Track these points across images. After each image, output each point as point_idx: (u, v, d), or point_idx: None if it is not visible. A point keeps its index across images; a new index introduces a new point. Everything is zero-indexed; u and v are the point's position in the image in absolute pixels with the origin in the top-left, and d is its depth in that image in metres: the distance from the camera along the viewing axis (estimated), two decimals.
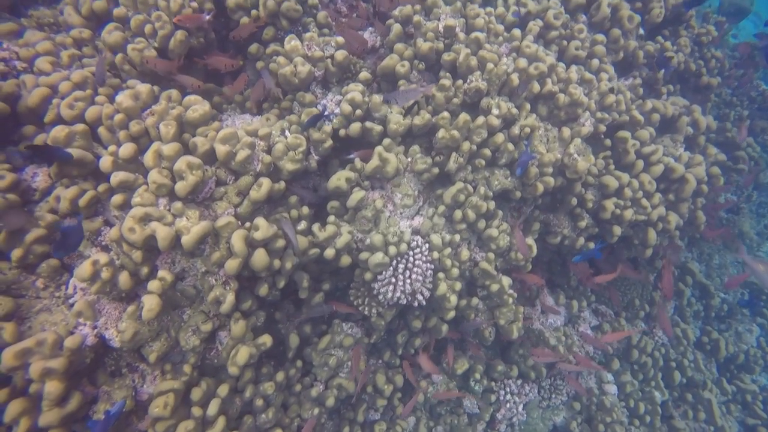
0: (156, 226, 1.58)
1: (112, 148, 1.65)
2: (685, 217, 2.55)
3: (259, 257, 1.78)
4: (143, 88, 1.75)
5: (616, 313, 3.03)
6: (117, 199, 1.62)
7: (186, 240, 1.62)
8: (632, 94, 2.55)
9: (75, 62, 1.84)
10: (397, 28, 2.22)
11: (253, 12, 2.14)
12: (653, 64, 2.65)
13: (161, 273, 1.65)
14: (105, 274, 1.53)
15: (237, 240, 1.70)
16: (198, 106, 1.79)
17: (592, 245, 2.46)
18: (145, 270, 1.64)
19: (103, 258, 1.54)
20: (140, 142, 1.72)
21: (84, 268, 1.50)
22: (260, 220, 1.79)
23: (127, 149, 1.63)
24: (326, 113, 1.94)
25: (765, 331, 3.65)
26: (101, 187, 1.65)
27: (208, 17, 1.97)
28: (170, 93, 1.82)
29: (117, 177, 1.60)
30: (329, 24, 2.25)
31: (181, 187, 1.64)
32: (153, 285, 1.61)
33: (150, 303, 1.56)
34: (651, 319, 3.12)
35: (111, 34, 1.87)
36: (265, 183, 1.82)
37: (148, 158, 1.63)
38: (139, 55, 1.87)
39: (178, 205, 1.66)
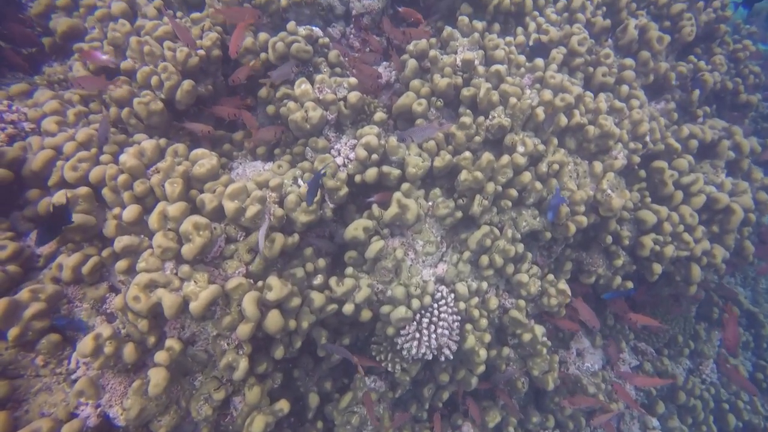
0: (162, 293, 1.48)
1: (116, 210, 1.57)
2: (731, 249, 2.35)
3: (273, 320, 1.66)
4: (148, 144, 1.68)
5: (657, 351, 2.81)
6: (122, 264, 1.54)
7: (194, 307, 1.51)
8: (666, 120, 2.38)
9: (81, 120, 1.78)
10: (412, 63, 2.12)
11: (262, 55, 2.07)
12: (687, 85, 2.48)
13: (169, 342, 1.54)
14: (108, 348, 1.43)
15: (248, 303, 1.59)
16: (205, 161, 1.70)
17: (630, 285, 2.27)
18: (152, 339, 1.54)
19: (106, 331, 1.44)
20: (146, 201, 1.63)
21: (86, 344, 1.40)
22: (273, 280, 1.68)
23: (131, 212, 1.54)
24: (322, 172, 1.80)
25: None
26: (105, 252, 1.57)
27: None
28: (176, 148, 1.74)
29: (121, 242, 1.51)
30: (341, 63, 2.16)
31: (187, 249, 1.54)
32: (160, 356, 1.50)
33: (157, 377, 1.45)
34: (696, 356, 2.88)
35: (118, 88, 1.81)
36: (278, 239, 1.71)
37: (153, 220, 1.54)
38: (146, 109, 1.80)
39: (185, 268, 1.56)
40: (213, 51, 1.97)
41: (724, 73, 2.60)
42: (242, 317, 1.63)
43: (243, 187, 1.69)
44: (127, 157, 1.59)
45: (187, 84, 1.85)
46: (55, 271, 1.52)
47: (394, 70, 2.32)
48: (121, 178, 1.56)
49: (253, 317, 1.60)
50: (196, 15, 2.04)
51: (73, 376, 1.48)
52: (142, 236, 1.59)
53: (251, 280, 1.73)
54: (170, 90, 1.85)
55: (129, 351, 1.46)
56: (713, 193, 2.23)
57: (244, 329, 1.61)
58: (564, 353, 2.47)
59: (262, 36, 2.08)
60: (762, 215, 2.44)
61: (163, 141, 1.85)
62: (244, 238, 1.75)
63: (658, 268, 2.19)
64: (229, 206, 1.64)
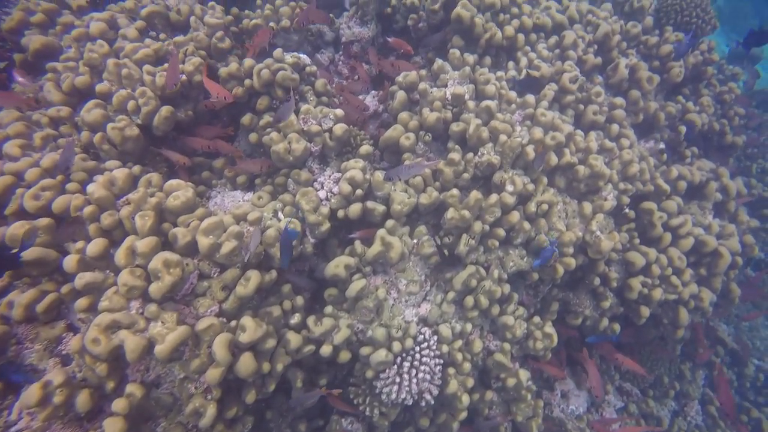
0: (125, 335, 1.38)
1: (79, 244, 1.47)
2: (718, 292, 2.31)
3: (246, 363, 1.57)
4: (120, 173, 1.59)
5: (642, 391, 2.76)
6: (82, 302, 1.43)
7: (160, 350, 1.41)
8: (655, 160, 2.37)
9: (49, 144, 1.68)
10: (401, 95, 2.07)
11: (247, 82, 2.00)
12: (676, 125, 2.48)
13: (130, 387, 1.43)
14: (58, 397, 1.32)
15: (219, 346, 1.49)
16: (180, 193, 1.61)
17: (617, 327, 2.22)
18: (111, 384, 1.43)
19: (57, 378, 1.33)
20: (114, 234, 1.54)
21: (31, 393, 1.29)
22: (248, 320, 1.59)
23: (96, 246, 1.45)
24: (289, 229, 1.69)
25: None
26: (65, 289, 1.46)
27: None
28: (150, 177, 1.65)
29: (82, 279, 1.41)
30: (328, 92, 2.10)
31: (156, 289, 1.44)
32: (119, 404, 1.39)
33: (112, 429, 1.34)
34: (682, 396, 2.83)
35: (91, 112, 1.72)
36: (254, 277, 1.62)
37: (120, 256, 1.44)
38: (120, 135, 1.72)
39: (152, 308, 1.46)
40: (195, 76, 1.90)
41: (711, 114, 2.60)
42: (212, 360, 1.53)
43: (219, 222, 1.60)
44: (96, 187, 1.50)
45: (165, 110, 1.78)
46: (4, 309, 1.40)
47: (381, 104, 2.27)
48: (88, 210, 1.47)
49: (224, 361, 1.50)
50: (179, 39, 1.97)
51: (13, 430, 1.35)
52: (108, 272, 1.49)
53: (224, 319, 1.64)
54: (148, 115, 1.77)
55: (83, 399, 1.35)
56: (701, 235, 2.20)
57: (213, 374, 1.51)
58: (548, 394, 2.39)
59: (248, 62, 2.02)
60: (748, 257, 2.43)
61: (137, 168, 1.76)
62: (218, 275, 1.65)
63: (645, 311, 2.15)
64: (204, 242, 1.56)
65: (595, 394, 2.00)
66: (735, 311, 3.68)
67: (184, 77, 1.86)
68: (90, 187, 1.50)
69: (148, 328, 1.44)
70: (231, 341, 1.54)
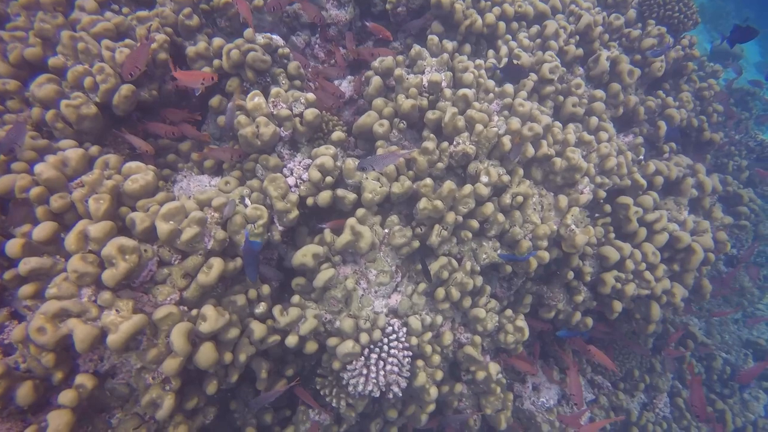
0: (74, 324, 1.31)
1: (25, 227, 1.38)
2: (690, 287, 2.32)
3: (206, 353, 1.51)
4: (73, 153, 1.50)
5: (613, 384, 2.78)
6: (27, 289, 1.35)
7: (113, 340, 1.34)
8: (633, 155, 2.35)
9: None
10: (376, 81, 2.01)
11: (215, 62, 1.92)
12: (655, 120, 2.46)
13: (80, 378, 1.37)
14: None
15: (178, 336, 1.43)
16: (139, 176, 1.53)
17: (590, 321, 2.21)
18: (59, 375, 1.36)
19: None
20: (65, 218, 1.46)
21: None
22: (209, 309, 1.53)
23: (43, 230, 1.37)
24: (251, 240, 1.63)
25: None
26: (8, 275, 1.38)
27: None
28: (108, 159, 1.57)
29: (27, 265, 1.34)
30: (301, 75, 2.03)
31: (109, 276, 1.37)
32: (66, 396, 1.32)
33: (57, 422, 1.28)
34: (651, 389, 2.87)
35: (42, 87, 1.62)
36: (216, 264, 1.56)
37: (71, 241, 1.37)
38: (76, 113, 1.62)
39: (106, 295, 1.39)
40: (159, 54, 1.81)
41: (690, 111, 2.60)
42: (170, 350, 1.47)
43: (180, 207, 1.53)
44: (45, 167, 1.41)
45: (126, 89, 1.69)
46: None
47: (354, 93, 2.21)
48: (34, 191, 1.38)
49: (183, 351, 1.44)
50: (143, 13, 1.87)
51: None
52: (57, 257, 1.41)
53: (185, 308, 1.58)
54: (106, 93, 1.68)
55: (25, 392, 1.28)
56: (676, 231, 2.20)
57: (171, 364, 1.45)
58: (519, 387, 2.39)
59: (217, 41, 1.93)
60: (720, 253, 2.44)
61: (95, 149, 1.68)
62: (180, 262, 1.59)
63: (618, 305, 2.14)
64: (163, 228, 1.48)
65: (575, 402, 1.99)
66: (706, 306, 3.74)
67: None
68: (38, 167, 1.41)
69: (100, 317, 1.37)
70: (191, 331, 1.48)
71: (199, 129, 2.06)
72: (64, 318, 1.31)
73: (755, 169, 3.81)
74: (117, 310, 1.40)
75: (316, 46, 2.38)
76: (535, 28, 2.35)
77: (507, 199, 1.89)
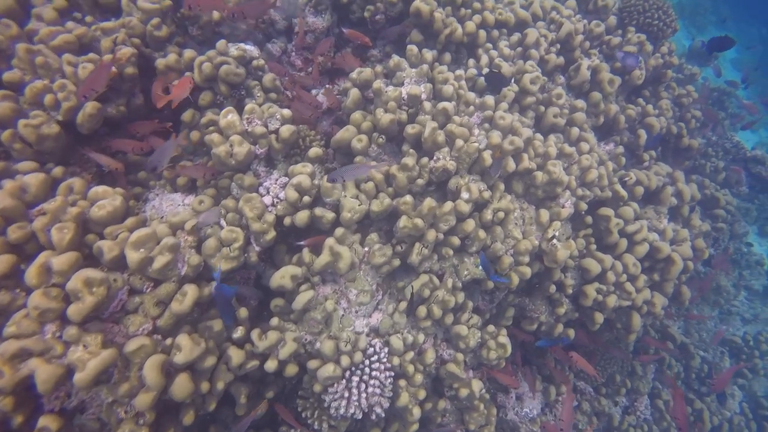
0: (36, 364, 1.25)
1: None
2: (669, 296, 2.34)
3: (181, 385, 1.46)
4: (33, 179, 1.42)
5: (595, 389, 2.80)
6: None
7: (80, 378, 1.28)
8: (614, 165, 2.35)
9: None
10: (354, 93, 1.96)
11: (187, 74, 1.84)
12: (635, 128, 2.47)
13: (44, 420, 1.30)
14: None
15: (151, 370, 1.38)
16: (106, 202, 1.46)
17: (572, 333, 2.22)
18: (19, 419, 1.29)
19: None
20: (26, 248, 1.38)
21: None
22: (184, 339, 1.48)
23: (0, 264, 1.29)
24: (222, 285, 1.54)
25: (747, 394, 3.50)
26: None
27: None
28: (72, 183, 1.49)
29: None
30: (277, 88, 1.96)
31: (75, 311, 1.30)
32: None
33: None
34: (632, 392, 2.90)
35: None
36: (191, 292, 1.50)
37: (32, 275, 1.30)
38: (35, 133, 1.54)
39: (72, 330, 1.33)
40: (127, 68, 1.73)
41: (669, 118, 2.61)
42: (143, 384, 1.41)
43: (151, 234, 1.47)
44: (1, 196, 1.33)
45: (90, 107, 1.60)
46: None
47: (337, 96, 2.15)
48: None
49: (156, 385, 1.39)
50: (108, 24, 1.78)
51: None
52: (17, 291, 1.34)
53: (159, 336, 1.52)
54: (69, 112, 1.60)
55: None
56: (656, 242, 2.21)
57: (144, 399, 1.40)
58: (503, 397, 2.39)
59: (188, 54, 1.85)
60: (699, 261, 2.47)
61: (59, 170, 1.60)
62: (152, 290, 1.52)
63: (599, 317, 2.15)
64: (133, 257, 1.42)
65: (561, 428, 2.00)
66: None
67: (113, 69, 1.67)
68: None
69: (66, 353, 1.31)
70: (164, 363, 1.43)
71: None
72: (25, 358, 1.25)
73: (731, 168, 3.87)
74: (84, 346, 1.34)
75: (293, 53, 2.32)
76: (516, 36, 2.32)
77: (488, 215, 1.87)
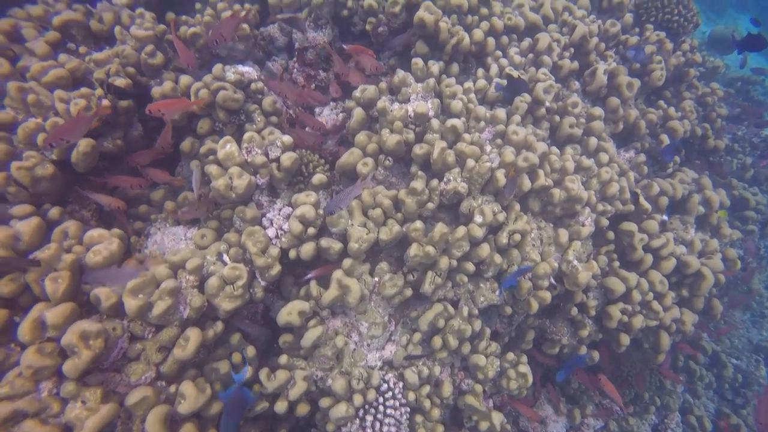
0: (30, 427, 1.19)
1: None
2: (699, 311, 2.21)
3: None
4: (26, 226, 1.36)
5: (622, 408, 2.68)
6: None
7: None
8: (636, 174, 2.22)
9: None
10: (359, 113, 1.87)
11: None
12: (657, 132, 2.33)
13: None
14: None
15: (154, 423, 1.32)
16: (102, 247, 1.40)
17: (596, 355, 2.10)
18: None
19: None
20: (20, 300, 1.33)
21: None
22: (188, 387, 1.42)
23: None
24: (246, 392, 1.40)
25: None
26: None
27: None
28: (66, 228, 1.43)
29: None
30: (278, 111, 1.88)
31: (71, 366, 1.24)
32: None
33: None
34: (662, 408, 2.77)
35: None
36: (194, 336, 1.44)
37: (25, 331, 1.24)
38: (30, 175, 1.48)
39: (69, 386, 1.27)
40: (121, 102, 1.66)
41: (693, 120, 2.46)
42: None
43: (150, 278, 1.40)
44: None
45: (84, 144, 1.54)
46: None
47: (342, 113, 2.06)
48: None
49: None
50: (100, 56, 1.71)
51: None
52: (11, 347, 1.29)
53: (163, 383, 1.46)
54: (63, 151, 1.54)
55: None
56: (683, 256, 2.08)
57: None
58: (525, 420, 2.29)
59: (184, 80, 1.78)
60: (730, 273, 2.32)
61: (55, 212, 1.54)
62: (153, 335, 1.46)
63: (625, 339, 2.03)
64: (131, 304, 1.36)
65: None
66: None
67: (107, 102, 1.61)
68: None
69: (64, 411, 1.25)
70: (168, 414, 1.37)
71: (171, 173, 1.92)
72: (19, 420, 1.19)
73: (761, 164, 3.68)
74: (83, 402, 1.28)
75: (294, 70, 2.23)
76: (526, 42, 2.20)
77: (503, 238, 1.76)
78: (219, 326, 1.56)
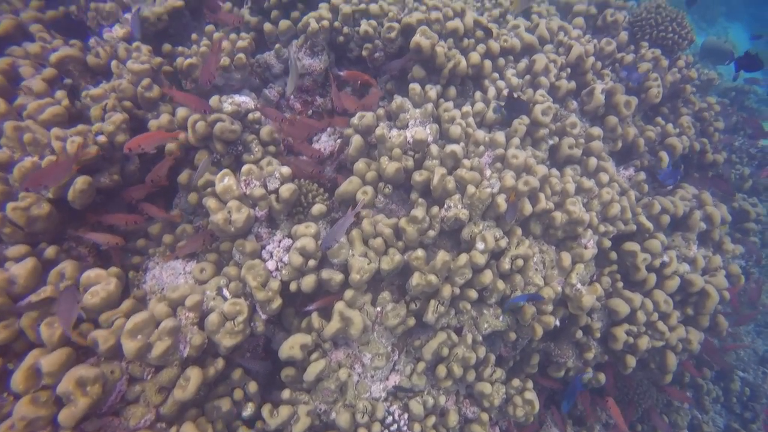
0: None
1: None
2: (705, 328, 2.19)
3: None
4: (21, 269, 1.34)
5: (630, 426, 2.64)
6: None
7: None
8: (636, 192, 2.21)
9: None
10: (357, 141, 1.86)
11: (181, 136, 1.76)
12: (656, 149, 2.32)
13: None
14: None
15: None
16: (99, 287, 1.38)
17: (602, 378, 2.08)
18: None
19: None
20: (15, 346, 1.30)
21: None
22: (189, 428, 1.39)
23: None
24: None
25: None
26: None
27: None
28: (63, 269, 1.41)
29: None
30: (276, 140, 1.87)
31: (67, 415, 1.21)
32: None
33: None
34: (672, 426, 2.73)
35: None
36: (194, 377, 1.41)
37: (19, 380, 1.21)
38: (25, 215, 1.46)
39: None
40: (117, 136, 1.65)
41: (691, 136, 2.46)
42: None
43: (149, 318, 1.38)
44: None
45: (81, 182, 1.52)
46: None
47: (339, 139, 2.05)
48: None
49: None
50: (96, 91, 1.70)
51: None
52: (4, 396, 1.26)
53: (163, 424, 1.43)
54: (59, 189, 1.52)
55: None
56: (687, 274, 2.06)
57: None
58: None
59: (181, 112, 1.77)
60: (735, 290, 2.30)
61: (51, 251, 1.52)
62: (153, 376, 1.43)
63: (632, 360, 2.00)
64: (130, 346, 1.33)
65: None
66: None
67: (103, 138, 1.60)
68: None
69: None
70: None
71: (169, 204, 1.90)
72: None
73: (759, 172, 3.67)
74: None
75: (291, 97, 2.23)
76: (523, 63, 2.20)
77: (506, 264, 1.75)
78: (220, 363, 1.54)
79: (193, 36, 2.05)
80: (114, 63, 1.79)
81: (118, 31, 1.89)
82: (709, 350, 2.41)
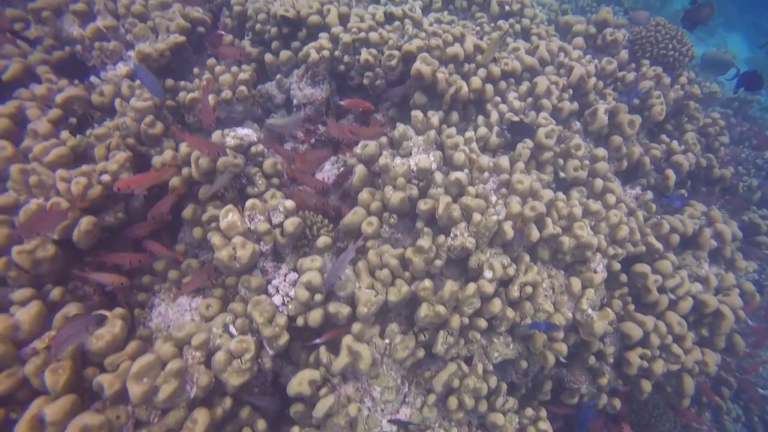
0: None
1: None
2: (722, 349, 2.14)
3: None
4: (26, 315, 1.34)
5: None
6: None
7: None
8: (644, 212, 2.18)
9: None
10: (360, 171, 1.86)
11: (185, 171, 1.76)
12: (662, 167, 2.31)
13: None
14: None
15: None
16: (105, 330, 1.37)
17: (617, 403, 2.03)
18: None
19: None
20: (18, 395, 1.28)
21: None
22: None
23: None
24: None
25: None
26: None
27: None
28: (68, 312, 1.41)
29: None
30: (279, 172, 1.87)
31: None
32: None
33: None
34: None
35: None
36: (202, 418, 1.39)
37: (22, 430, 1.19)
38: (30, 259, 1.46)
39: None
40: (121, 174, 1.65)
41: (697, 152, 2.44)
42: None
43: (155, 361, 1.37)
44: None
45: (85, 223, 1.53)
46: None
47: (342, 167, 2.05)
48: None
49: None
50: (100, 130, 1.72)
51: None
52: None
53: None
54: (64, 231, 1.52)
55: None
56: (700, 294, 2.03)
57: None
58: None
59: (184, 148, 1.78)
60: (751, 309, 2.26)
61: (57, 293, 1.52)
62: (160, 419, 1.41)
63: (647, 385, 1.96)
64: (136, 390, 1.31)
65: None
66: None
67: (107, 177, 1.61)
68: None
69: None
70: None
71: (174, 237, 1.90)
72: None
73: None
74: None
75: None
76: (525, 85, 2.20)
77: (515, 291, 1.72)
78: (227, 402, 1.51)
79: (195, 70, 2.07)
80: (118, 101, 1.81)
81: (122, 68, 1.91)
82: (744, 388, 2.31)
